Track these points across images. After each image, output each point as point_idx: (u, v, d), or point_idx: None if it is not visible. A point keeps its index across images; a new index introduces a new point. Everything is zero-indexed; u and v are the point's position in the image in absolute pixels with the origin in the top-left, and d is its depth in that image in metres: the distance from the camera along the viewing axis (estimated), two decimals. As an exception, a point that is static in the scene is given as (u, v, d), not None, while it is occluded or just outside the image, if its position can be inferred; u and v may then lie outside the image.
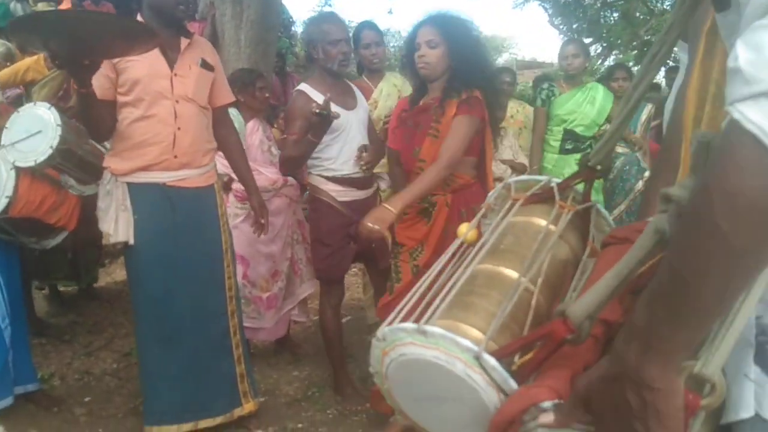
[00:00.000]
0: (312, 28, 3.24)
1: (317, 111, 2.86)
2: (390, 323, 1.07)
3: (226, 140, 3.05)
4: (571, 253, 1.25)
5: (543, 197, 1.31)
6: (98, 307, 4.62)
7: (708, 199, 0.65)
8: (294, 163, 3.27)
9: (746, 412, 0.78)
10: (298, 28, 11.68)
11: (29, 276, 3.93)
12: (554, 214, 1.25)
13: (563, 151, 4.59)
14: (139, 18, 2.77)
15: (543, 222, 1.25)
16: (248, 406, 2.99)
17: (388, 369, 1.06)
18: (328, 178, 3.23)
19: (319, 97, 3.07)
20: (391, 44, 16.04)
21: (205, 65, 2.85)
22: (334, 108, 2.98)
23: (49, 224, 2.95)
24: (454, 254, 1.31)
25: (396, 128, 2.97)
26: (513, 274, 1.13)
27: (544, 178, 1.35)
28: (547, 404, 0.83)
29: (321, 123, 2.92)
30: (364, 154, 3.19)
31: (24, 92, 4.10)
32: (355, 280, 5.00)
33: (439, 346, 0.97)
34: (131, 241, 2.73)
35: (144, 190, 2.76)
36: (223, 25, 5.18)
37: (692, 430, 0.74)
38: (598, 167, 1.27)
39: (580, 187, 1.32)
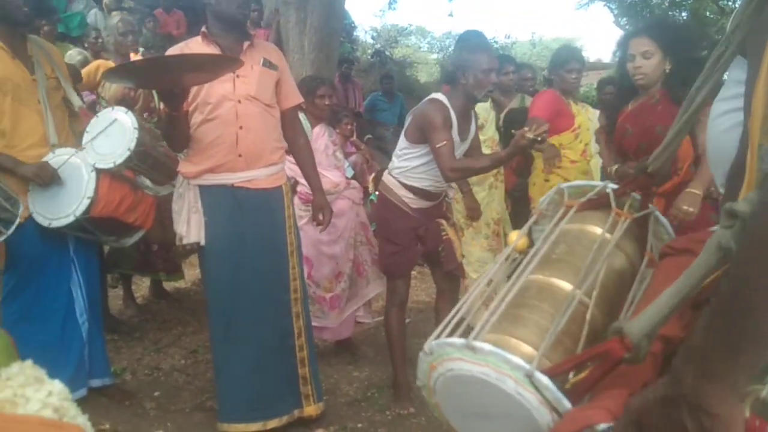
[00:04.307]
0: (466, 54, 3.21)
1: (533, 138, 2.75)
2: (437, 336, 1.04)
3: (296, 142, 3.12)
4: (628, 263, 1.20)
5: (598, 204, 1.25)
6: (167, 305, 4.78)
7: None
8: (468, 173, 3.37)
9: None
10: (360, 33, 11.81)
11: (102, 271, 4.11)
12: (610, 221, 1.20)
13: None
14: (203, 29, 2.89)
15: (598, 230, 1.20)
16: (309, 409, 3.00)
17: (435, 383, 1.04)
18: (404, 185, 3.30)
19: (453, 116, 3.17)
20: (451, 48, 16.00)
21: (268, 64, 2.91)
22: (456, 135, 3.14)
23: (127, 223, 3.07)
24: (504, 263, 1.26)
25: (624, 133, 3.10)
26: (566, 285, 1.08)
27: (599, 183, 1.30)
28: (603, 426, 0.80)
29: (525, 147, 2.88)
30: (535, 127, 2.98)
31: (97, 98, 4.28)
32: (414, 283, 5.03)
33: (489, 363, 0.94)
34: (202, 242, 2.83)
35: (213, 192, 2.85)
36: (288, 32, 5.29)
37: None
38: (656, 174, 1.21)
39: None
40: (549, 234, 1.22)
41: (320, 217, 3.15)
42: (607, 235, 1.18)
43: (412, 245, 3.33)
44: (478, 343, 0.96)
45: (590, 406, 0.86)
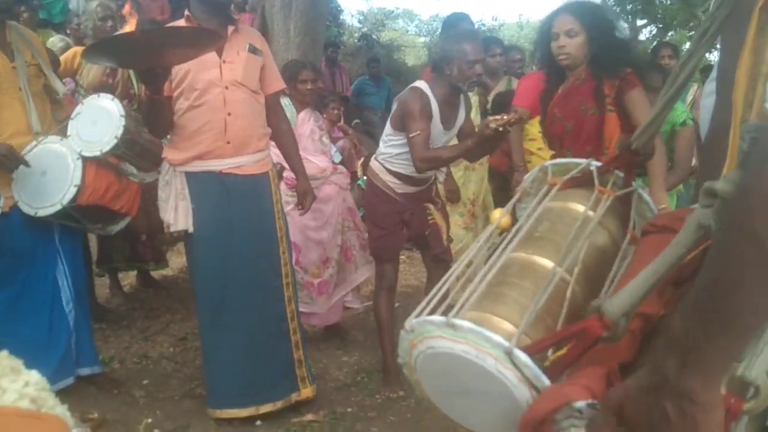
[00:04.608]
0: (450, 44, 3.17)
1: (496, 127, 2.67)
2: (418, 315, 1.04)
3: (278, 127, 3.10)
4: (610, 241, 1.20)
5: (581, 181, 1.25)
6: (155, 293, 4.76)
7: (747, 203, 0.62)
8: (438, 163, 3.24)
9: None
10: (346, 17, 11.73)
11: (93, 263, 4.10)
12: (593, 199, 1.19)
13: None
14: (186, 12, 2.85)
15: (581, 207, 1.19)
16: (305, 392, 3.03)
17: (416, 361, 1.04)
18: (389, 171, 3.32)
19: (434, 105, 3.16)
20: (439, 31, 15.92)
21: (253, 50, 2.90)
22: (438, 125, 3.12)
23: (113, 211, 3.06)
24: (486, 241, 1.26)
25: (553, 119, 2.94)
26: (548, 263, 1.08)
27: (583, 161, 1.29)
28: (580, 404, 0.81)
29: (492, 138, 2.79)
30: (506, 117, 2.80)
31: (75, 86, 4.23)
32: (404, 267, 5.03)
33: (469, 341, 0.94)
34: (191, 230, 2.82)
35: (201, 179, 2.84)
36: (273, 16, 5.24)
37: None
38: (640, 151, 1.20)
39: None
40: (532, 212, 1.21)
41: (301, 205, 3.16)
42: (590, 213, 1.18)
43: (398, 230, 3.36)
44: (458, 321, 0.96)
45: (567, 384, 0.86)
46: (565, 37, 2.80)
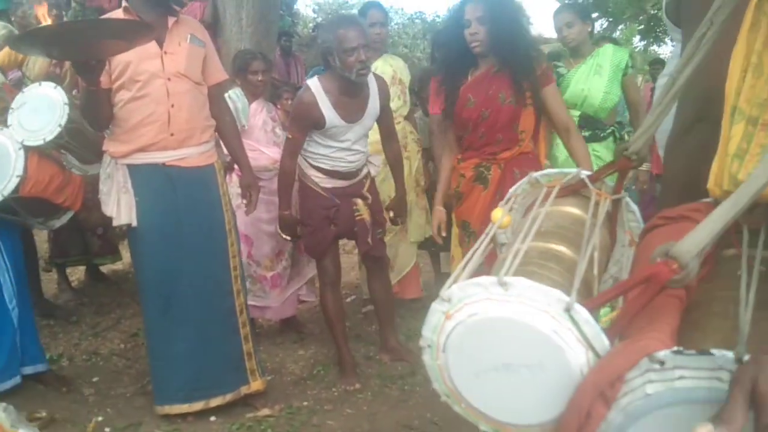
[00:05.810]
0: (327, 35, 3.08)
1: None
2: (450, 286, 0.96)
3: (220, 119, 3.03)
4: (603, 244, 1.22)
5: (569, 191, 1.25)
6: (105, 288, 4.65)
7: None
8: (289, 170, 3.26)
9: None
10: (300, 6, 11.59)
11: (36, 258, 3.98)
12: (592, 203, 1.19)
13: None
14: (124, 3, 2.78)
15: (577, 211, 1.20)
16: (255, 384, 3.01)
17: (449, 336, 0.94)
18: (312, 166, 3.27)
19: (326, 103, 3.08)
20: (394, 21, 15.92)
21: (195, 40, 2.84)
22: (338, 121, 3.09)
23: (55, 204, 2.98)
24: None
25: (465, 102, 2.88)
26: (563, 249, 1.07)
27: (572, 170, 1.29)
28: (662, 353, 0.75)
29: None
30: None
31: (23, 76, 4.10)
32: (357, 260, 5.02)
33: (523, 299, 0.88)
34: (134, 223, 2.76)
35: (144, 171, 2.77)
36: (225, 4, 5.14)
37: None
38: (634, 157, 1.18)
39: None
40: (536, 215, 1.18)
41: (244, 201, 3.12)
42: (591, 219, 1.17)
43: (324, 226, 3.27)
44: (511, 278, 0.89)
45: (640, 338, 0.81)
46: (477, 24, 2.76)
